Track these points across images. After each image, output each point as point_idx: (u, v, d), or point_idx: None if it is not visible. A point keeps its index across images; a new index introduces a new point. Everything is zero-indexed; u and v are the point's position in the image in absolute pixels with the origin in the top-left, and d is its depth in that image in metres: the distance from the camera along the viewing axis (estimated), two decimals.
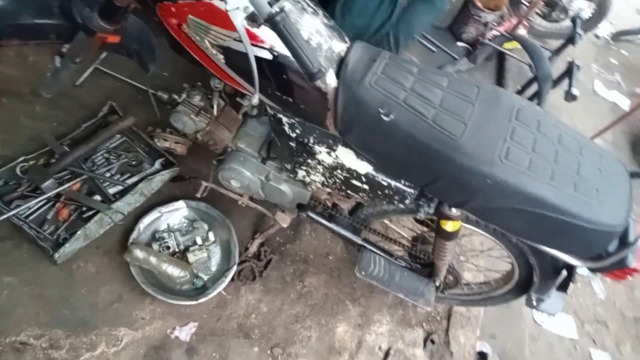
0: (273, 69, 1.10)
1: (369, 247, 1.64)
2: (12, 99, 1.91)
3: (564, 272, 1.45)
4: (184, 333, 1.66)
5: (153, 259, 1.63)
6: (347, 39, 1.22)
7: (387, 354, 1.84)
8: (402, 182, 1.28)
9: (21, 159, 1.70)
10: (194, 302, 1.65)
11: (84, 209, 1.70)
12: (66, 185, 1.69)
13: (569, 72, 2.19)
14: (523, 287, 1.59)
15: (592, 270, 1.32)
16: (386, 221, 1.84)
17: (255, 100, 1.05)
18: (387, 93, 1.12)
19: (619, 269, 1.25)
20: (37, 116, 1.90)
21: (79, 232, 1.61)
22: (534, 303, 1.56)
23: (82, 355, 1.52)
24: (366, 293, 1.95)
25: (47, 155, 1.76)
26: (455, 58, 2.93)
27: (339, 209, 1.61)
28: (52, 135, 1.80)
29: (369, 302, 1.94)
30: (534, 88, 2.48)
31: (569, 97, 2.18)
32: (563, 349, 2.39)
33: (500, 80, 3.19)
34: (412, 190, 1.29)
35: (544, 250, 1.31)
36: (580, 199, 1.13)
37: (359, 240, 1.64)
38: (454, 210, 1.27)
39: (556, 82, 2.35)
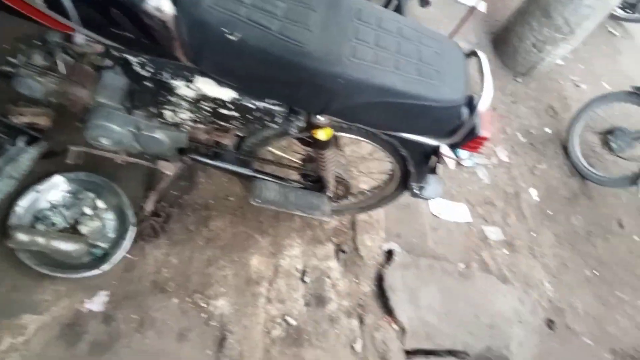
0: (101, 5, 1.05)
1: (259, 176, 1.69)
2: None
3: (433, 157, 1.61)
4: (96, 304, 1.63)
5: (40, 239, 1.55)
6: None
7: (304, 272, 1.96)
8: (267, 101, 1.32)
9: None
10: (97, 272, 1.62)
11: None
12: None
13: None
14: (405, 180, 1.74)
15: (452, 146, 1.47)
16: (276, 151, 1.89)
17: (79, 39, 1.00)
18: (228, 12, 1.13)
19: (472, 140, 1.42)
20: None
21: None
22: (417, 192, 1.72)
23: None
24: (273, 223, 2.03)
25: None
26: None
27: (222, 145, 1.62)
28: None
29: (277, 230, 2.02)
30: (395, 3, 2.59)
31: (423, 3, 2.31)
32: (461, 232, 2.68)
33: None
34: (280, 108, 1.34)
35: (410, 139, 1.45)
36: (424, 82, 1.24)
37: (248, 172, 1.68)
38: (320, 117, 1.34)
39: None
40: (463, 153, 3.23)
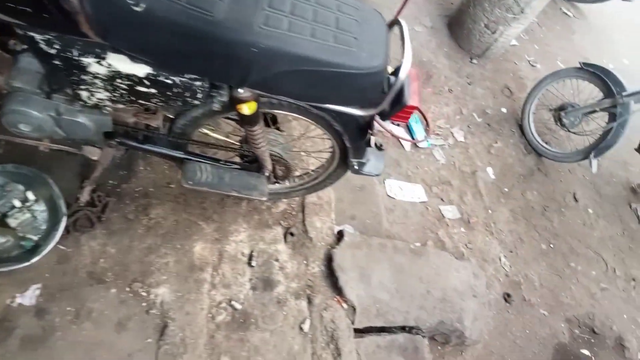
0: None
1: (192, 158, 1.65)
2: None
3: (369, 131, 1.60)
4: (27, 298, 1.57)
5: None
6: None
7: (250, 256, 1.93)
8: (186, 75, 1.28)
9: None
10: (26, 264, 1.56)
11: None
12: None
13: None
14: (345, 157, 1.72)
15: (381, 116, 1.46)
16: (212, 132, 1.85)
17: None
18: None
19: (401, 109, 1.41)
20: None
21: None
22: (356, 168, 1.71)
23: None
24: (218, 209, 1.99)
25: None
26: None
27: (152, 128, 1.58)
28: None
29: (222, 217, 1.98)
30: None
31: None
32: (417, 212, 2.70)
33: None
34: (200, 83, 1.30)
35: (339, 111, 1.43)
36: (341, 49, 1.23)
37: (180, 154, 1.64)
38: (241, 90, 1.31)
39: None
40: (419, 134, 3.24)
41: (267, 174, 1.71)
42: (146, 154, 1.69)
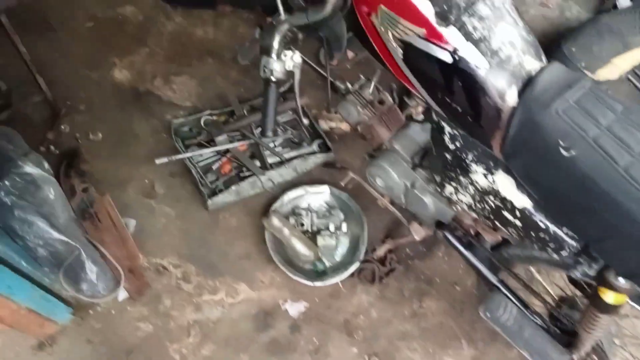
0: (449, 73, 1.04)
1: (503, 289, 1.47)
2: (216, 60, 2.23)
3: None
4: (294, 309, 1.71)
5: (286, 231, 1.72)
6: (543, 58, 1.09)
7: None
8: (564, 229, 1.11)
9: (207, 112, 1.96)
10: (310, 284, 1.70)
11: (243, 169, 1.87)
12: (235, 144, 1.88)
13: None
14: None
15: None
16: (532, 269, 1.63)
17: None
18: (575, 126, 0.97)
19: None
20: (231, 79, 2.17)
21: (233, 188, 1.79)
22: None
23: (204, 294, 1.69)
24: (487, 339, 1.76)
25: (228, 115, 1.99)
26: None
27: (481, 239, 1.47)
28: (237, 98, 2.03)
29: (487, 348, 1.74)
30: None
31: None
32: None
33: None
34: (573, 243, 1.11)
35: None
36: None
37: (494, 280, 1.48)
38: (621, 280, 1.05)
39: None
40: None
41: (575, 357, 1.39)
42: (461, 257, 1.61)
